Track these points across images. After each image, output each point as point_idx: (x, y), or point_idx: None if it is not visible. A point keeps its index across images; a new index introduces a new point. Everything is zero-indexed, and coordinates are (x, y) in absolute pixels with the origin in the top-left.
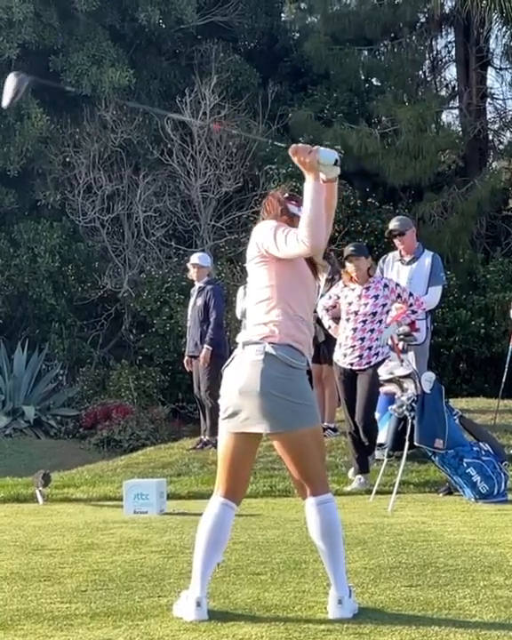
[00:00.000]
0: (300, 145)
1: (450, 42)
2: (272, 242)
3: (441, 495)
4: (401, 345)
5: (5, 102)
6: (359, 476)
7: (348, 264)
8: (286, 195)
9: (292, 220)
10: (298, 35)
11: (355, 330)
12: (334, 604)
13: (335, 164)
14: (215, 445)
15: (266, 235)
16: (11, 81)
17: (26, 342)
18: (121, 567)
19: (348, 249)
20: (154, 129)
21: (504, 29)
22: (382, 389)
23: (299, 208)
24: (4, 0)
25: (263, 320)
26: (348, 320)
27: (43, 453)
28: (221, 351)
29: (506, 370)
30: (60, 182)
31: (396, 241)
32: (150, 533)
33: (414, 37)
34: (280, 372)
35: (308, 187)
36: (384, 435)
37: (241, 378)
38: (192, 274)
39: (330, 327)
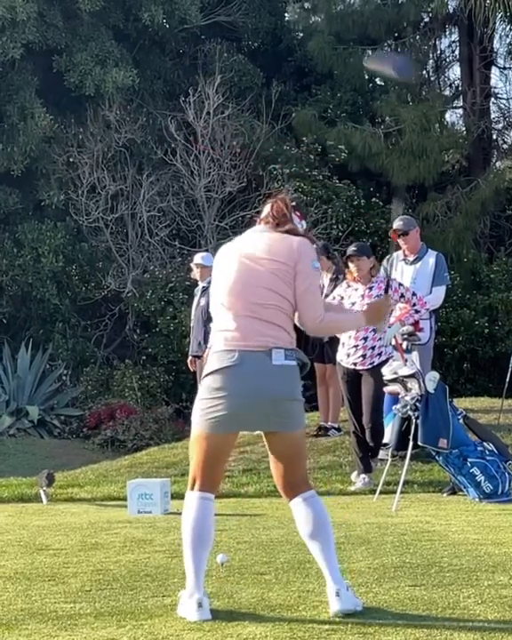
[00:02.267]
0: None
1: (454, 41)
2: (306, 291)
3: (445, 495)
4: (405, 344)
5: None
6: (363, 476)
7: (349, 264)
8: (293, 203)
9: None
10: (301, 34)
11: (357, 329)
12: (333, 596)
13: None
14: None
15: (311, 276)
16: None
17: (30, 342)
18: (125, 567)
19: (350, 249)
20: (157, 129)
21: (508, 29)
22: (386, 389)
23: (301, 221)
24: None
25: (279, 323)
26: None
27: (46, 453)
28: None
29: (510, 369)
30: (64, 182)
31: (400, 240)
32: (154, 533)
33: (418, 37)
34: (297, 377)
35: (358, 318)
36: (388, 434)
37: (267, 380)
38: (195, 274)
39: None
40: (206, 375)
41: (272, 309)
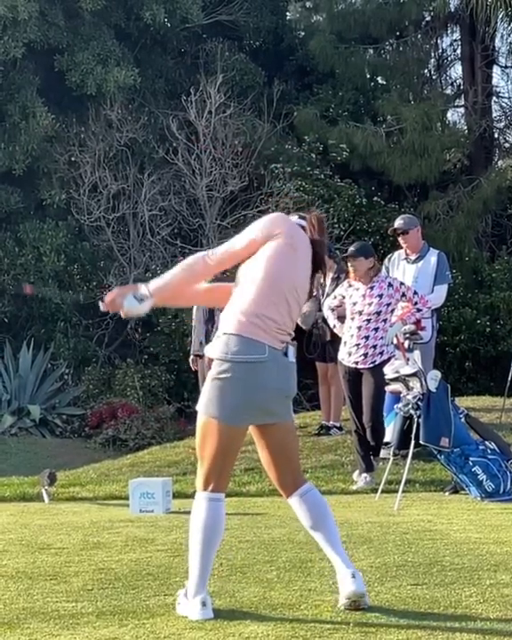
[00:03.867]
0: (107, 299)
1: (455, 40)
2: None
3: (447, 494)
4: (406, 343)
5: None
6: (364, 475)
7: (348, 264)
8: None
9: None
10: (303, 33)
11: (359, 328)
12: (348, 579)
13: (141, 301)
14: None
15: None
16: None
17: (31, 341)
18: (127, 566)
19: (350, 249)
20: (159, 128)
21: (509, 28)
22: (388, 388)
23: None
24: None
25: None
26: (352, 319)
27: (48, 452)
28: None
29: (511, 368)
30: (66, 181)
31: (401, 239)
32: (156, 532)
33: (420, 36)
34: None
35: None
36: (390, 433)
37: (282, 376)
38: None
39: (335, 326)
40: (235, 363)
41: (295, 312)
